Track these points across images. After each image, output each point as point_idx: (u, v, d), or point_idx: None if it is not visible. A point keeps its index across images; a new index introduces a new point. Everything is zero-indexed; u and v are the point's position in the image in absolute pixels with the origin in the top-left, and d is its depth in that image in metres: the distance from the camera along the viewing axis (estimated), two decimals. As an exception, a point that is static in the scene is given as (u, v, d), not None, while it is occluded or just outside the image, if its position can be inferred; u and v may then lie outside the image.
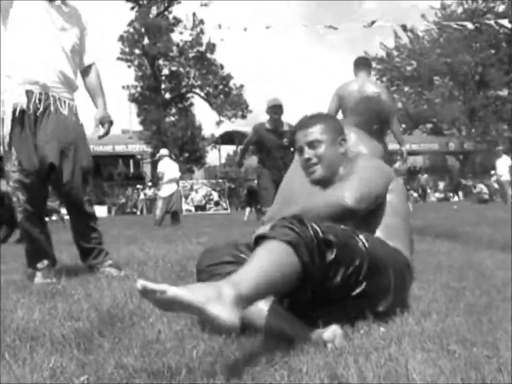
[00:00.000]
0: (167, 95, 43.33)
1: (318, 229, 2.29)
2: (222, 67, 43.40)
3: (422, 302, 3.03)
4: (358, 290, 2.46)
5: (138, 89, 42.40)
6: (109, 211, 37.62)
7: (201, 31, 41.82)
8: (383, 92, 6.74)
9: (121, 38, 41.32)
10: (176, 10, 40.85)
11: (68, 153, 4.64)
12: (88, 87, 5.01)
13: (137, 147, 41.39)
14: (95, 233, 4.88)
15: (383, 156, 4.15)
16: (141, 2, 41.10)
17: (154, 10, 41.45)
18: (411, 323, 2.54)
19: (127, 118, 43.21)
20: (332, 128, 3.07)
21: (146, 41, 41.17)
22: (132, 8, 41.40)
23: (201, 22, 41.58)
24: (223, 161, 49.48)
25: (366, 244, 2.50)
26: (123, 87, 42.25)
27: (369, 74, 7.22)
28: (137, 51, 41.68)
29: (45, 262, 4.65)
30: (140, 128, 41.52)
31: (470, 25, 21.27)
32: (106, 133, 4.96)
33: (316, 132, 3.02)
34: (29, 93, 4.55)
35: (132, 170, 47.12)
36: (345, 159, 3.07)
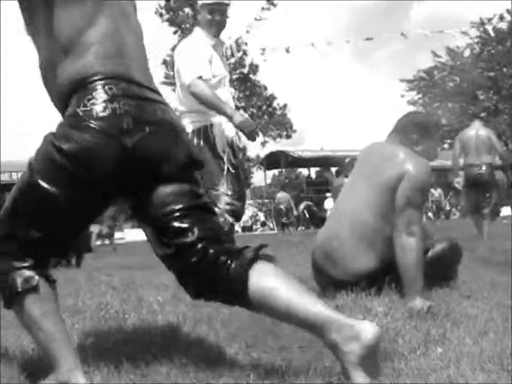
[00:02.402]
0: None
1: None
2: (265, 88, 43.51)
3: (478, 321, 2.98)
4: None
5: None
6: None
7: (244, 53, 42.02)
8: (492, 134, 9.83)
9: (164, 62, 41.68)
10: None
11: None
12: None
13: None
14: None
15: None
16: (183, 26, 41.45)
17: (197, 34, 41.83)
18: (468, 343, 2.50)
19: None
20: None
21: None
22: (175, 32, 41.78)
23: (245, 44, 41.78)
24: (268, 181, 49.52)
25: None
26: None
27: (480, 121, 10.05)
28: (181, 75, 41.87)
29: None
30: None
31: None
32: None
33: None
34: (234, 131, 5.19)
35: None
36: None
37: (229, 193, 5.02)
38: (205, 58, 5.18)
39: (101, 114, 2.21)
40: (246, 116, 5.25)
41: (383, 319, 3.17)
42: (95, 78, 2.26)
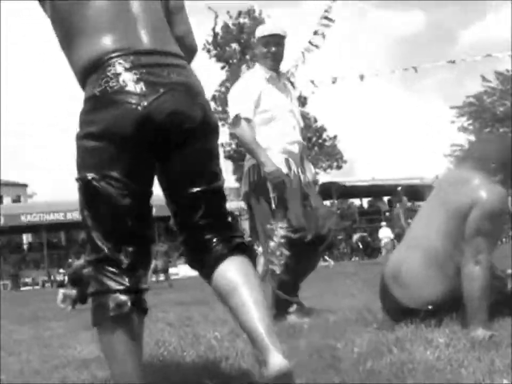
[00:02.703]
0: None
1: None
2: (315, 120, 43.58)
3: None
4: None
5: (233, 146, 42.93)
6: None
7: (292, 85, 42.16)
8: None
9: (213, 98, 42.08)
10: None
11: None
12: None
13: (235, 204, 41.77)
14: None
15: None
16: (230, 61, 41.87)
17: (245, 69, 42.15)
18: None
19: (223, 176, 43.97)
20: None
21: (238, 99, 41.72)
22: (222, 68, 42.23)
23: (293, 77, 41.94)
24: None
25: None
26: (218, 146, 42.90)
27: None
28: (230, 110, 42.15)
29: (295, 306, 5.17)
30: (236, 185, 41.93)
31: None
32: None
33: None
34: (286, 161, 5.20)
35: (230, 227, 47.47)
36: None
37: (284, 226, 5.04)
38: (250, 95, 5.24)
39: (116, 88, 2.32)
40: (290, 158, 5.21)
41: (444, 350, 3.10)
42: (104, 59, 2.38)
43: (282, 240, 5.03)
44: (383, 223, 36.36)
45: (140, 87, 2.32)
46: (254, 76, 5.48)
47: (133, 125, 2.30)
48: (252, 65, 38.97)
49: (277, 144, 5.21)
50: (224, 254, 2.51)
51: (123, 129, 2.30)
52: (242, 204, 38.92)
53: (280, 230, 5.06)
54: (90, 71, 2.40)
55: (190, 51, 2.82)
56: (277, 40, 5.30)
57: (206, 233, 2.54)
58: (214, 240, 2.53)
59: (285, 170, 5.15)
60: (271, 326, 2.41)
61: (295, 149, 5.30)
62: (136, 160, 2.37)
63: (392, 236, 34.06)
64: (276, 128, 5.22)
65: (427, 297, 3.93)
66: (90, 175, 2.34)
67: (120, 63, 2.36)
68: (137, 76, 2.34)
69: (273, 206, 5.11)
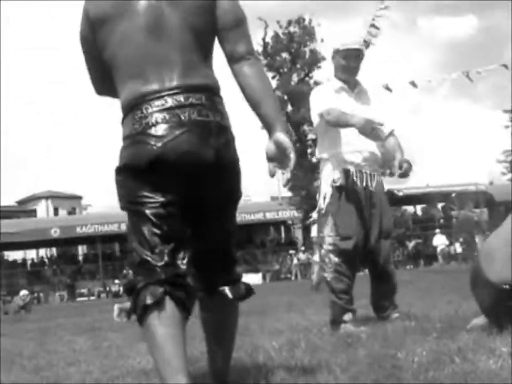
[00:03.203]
0: (314, 159, 43.59)
1: None
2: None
3: None
4: None
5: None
6: (264, 278, 38.06)
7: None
8: None
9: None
10: (317, 75, 40.90)
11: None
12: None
13: (288, 213, 41.80)
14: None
15: None
16: (281, 70, 41.88)
17: (295, 77, 42.15)
18: None
19: (275, 185, 44.02)
20: None
21: (289, 108, 41.76)
22: (273, 77, 42.25)
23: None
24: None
25: None
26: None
27: None
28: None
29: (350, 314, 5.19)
30: (289, 194, 41.92)
31: None
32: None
33: None
34: (345, 171, 5.23)
35: (283, 236, 47.48)
36: None
37: (332, 234, 5.16)
38: (329, 96, 5.34)
39: (139, 130, 2.65)
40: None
41: (508, 359, 3.04)
42: (133, 103, 2.69)
43: (331, 248, 5.14)
44: (437, 230, 36.00)
45: (159, 130, 2.62)
46: (327, 86, 5.65)
47: (146, 162, 2.62)
48: (301, 74, 38.84)
49: (339, 152, 5.27)
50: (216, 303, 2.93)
51: (138, 165, 2.65)
52: (294, 213, 38.78)
53: (328, 238, 5.18)
54: (125, 114, 2.75)
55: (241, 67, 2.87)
56: (355, 54, 5.37)
57: (210, 273, 2.90)
58: (215, 281, 2.89)
59: (342, 180, 5.18)
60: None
61: (357, 158, 5.27)
62: (154, 188, 2.68)
63: (447, 242, 33.70)
64: (339, 136, 5.28)
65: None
66: (122, 203, 2.77)
67: (146, 108, 2.66)
68: (159, 119, 2.63)
69: (323, 213, 5.27)
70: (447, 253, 33.14)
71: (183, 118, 2.63)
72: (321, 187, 5.39)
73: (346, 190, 5.20)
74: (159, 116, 2.63)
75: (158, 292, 2.54)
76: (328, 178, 5.30)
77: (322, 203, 5.32)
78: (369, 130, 4.99)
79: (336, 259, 5.12)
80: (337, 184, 5.20)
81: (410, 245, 37.61)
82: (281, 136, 2.72)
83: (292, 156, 2.71)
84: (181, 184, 2.68)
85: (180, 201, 2.70)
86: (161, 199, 2.66)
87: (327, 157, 5.35)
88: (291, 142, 2.74)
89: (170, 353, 2.45)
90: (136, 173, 2.65)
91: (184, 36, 2.73)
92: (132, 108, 2.69)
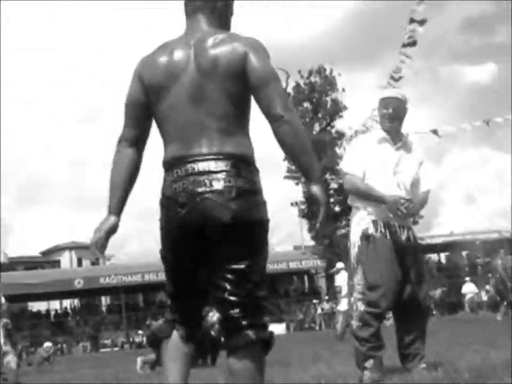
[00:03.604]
0: (337, 208, 43.49)
1: None
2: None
3: None
4: None
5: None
6: (287, 328, 37.75)
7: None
8: None
9: (286, 158, 42.14)
10: (339, 124, 41.07)
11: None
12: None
13: (311, 262, 41.64)
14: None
15: None
16: (303, 120, 42.02)
17: (317, 127, 42.30)
18: None
19: (298, 235, 44.14)
20: None
21: (311, 157, 41.76)
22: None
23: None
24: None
25: None
26: (292, 204, 42.78)
27: None
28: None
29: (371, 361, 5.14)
30: (312, 243, 41.77)
31: None
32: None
33: None
34: (374, 222, 5.26)
35: (307, 285, 47.27)
36: None
37: (362, 282, 5.19)
38: (358, 155, 5.41)
39: (167, 195, 3.04)
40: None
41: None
42: (167, 166, 3.07)
43: (360, 296, 5.18)
44: (467, 278, 35.66)
45: (182, 197, 2.97)
46: (368, 137, 5.80)
47: (175, 226, 3.03)
48: (323, 123, 38.98)
49: (369, 203, 5.31)
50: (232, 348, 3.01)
51: (172, 228, 3.07)
52: (318, 262, 38.64)
53: (358, 286, 5.22)
54: (164, 170, 3.11)
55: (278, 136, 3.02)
56: (395, 103, 5.40)
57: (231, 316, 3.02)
58: (236, 325, 3.00)
59: (371, 230, 5.21)
60: None
61: (385, 211, 5.24)
62: (183, 247, 3.08)
63: (476, 290, 33.33)
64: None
65: None
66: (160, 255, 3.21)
67: (176, 172, 3.01)
68: (183, 186, 2.97)
69: (354, 262, 5.29)
70: (474, 302, 32.75)
71: (207, 183, 2.93)
72: (351, 235, 5.43)
73: (374, 240, 5.21)
74: (184, 183, 2.96)
75: (169, 329, 3.23)
76: (357, 227, 5.34)
77: (352, 252, 5.35)
78: (394, 211, 5.11)
79: (362, 307, 5.14)
80: (367, 233, 5.24)
81: (437, 293, 37.19)
82: (314, 189, 2.98)
83: (322, 209, 2.96)
84: (205, 243, 3.01)
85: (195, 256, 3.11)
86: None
87: (359, 205, 5.38)
88: (325, 195, 2.99)
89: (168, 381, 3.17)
90: (168, 234, 3.12)
91: (221, 103, 2.98)
92: (167, 169, 3.06)
